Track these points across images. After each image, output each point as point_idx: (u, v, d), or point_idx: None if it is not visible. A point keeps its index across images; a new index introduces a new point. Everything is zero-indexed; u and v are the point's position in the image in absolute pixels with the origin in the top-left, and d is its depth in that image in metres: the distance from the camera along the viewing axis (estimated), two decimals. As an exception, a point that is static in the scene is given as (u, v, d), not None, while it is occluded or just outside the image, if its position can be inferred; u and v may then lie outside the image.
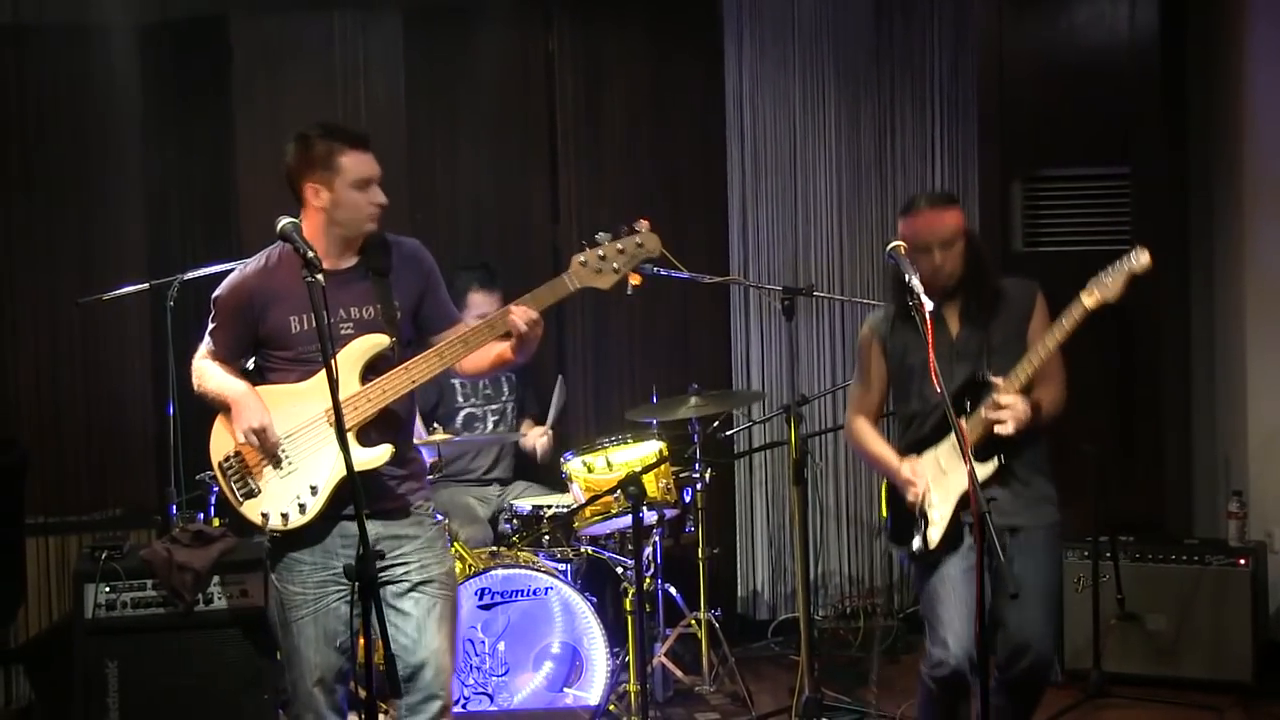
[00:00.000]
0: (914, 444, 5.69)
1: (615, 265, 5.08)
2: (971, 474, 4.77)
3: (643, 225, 5.14)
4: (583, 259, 5.08)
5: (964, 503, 5.47)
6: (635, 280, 5.18)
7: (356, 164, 5.05)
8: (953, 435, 5.32)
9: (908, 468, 5.58)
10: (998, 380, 5.44)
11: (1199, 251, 8.92)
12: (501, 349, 5.17)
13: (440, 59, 8.83)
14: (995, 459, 5.50)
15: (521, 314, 5.02)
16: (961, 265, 5.60)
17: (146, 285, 7.18)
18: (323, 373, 4.43)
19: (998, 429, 5.39)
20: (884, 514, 5.86)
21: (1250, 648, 7.56)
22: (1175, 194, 9.01)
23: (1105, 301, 5.50)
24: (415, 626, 5.11)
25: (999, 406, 5.38)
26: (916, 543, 5.57)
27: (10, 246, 8.12)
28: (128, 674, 5.90)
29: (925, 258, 5.49)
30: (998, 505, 5.21)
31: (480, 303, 7.79)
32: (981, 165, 8.97)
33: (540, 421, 8.06)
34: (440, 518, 5.81)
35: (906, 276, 5.02)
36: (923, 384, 5.51)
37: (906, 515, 5.63)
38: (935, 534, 5.52)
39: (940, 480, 5.56)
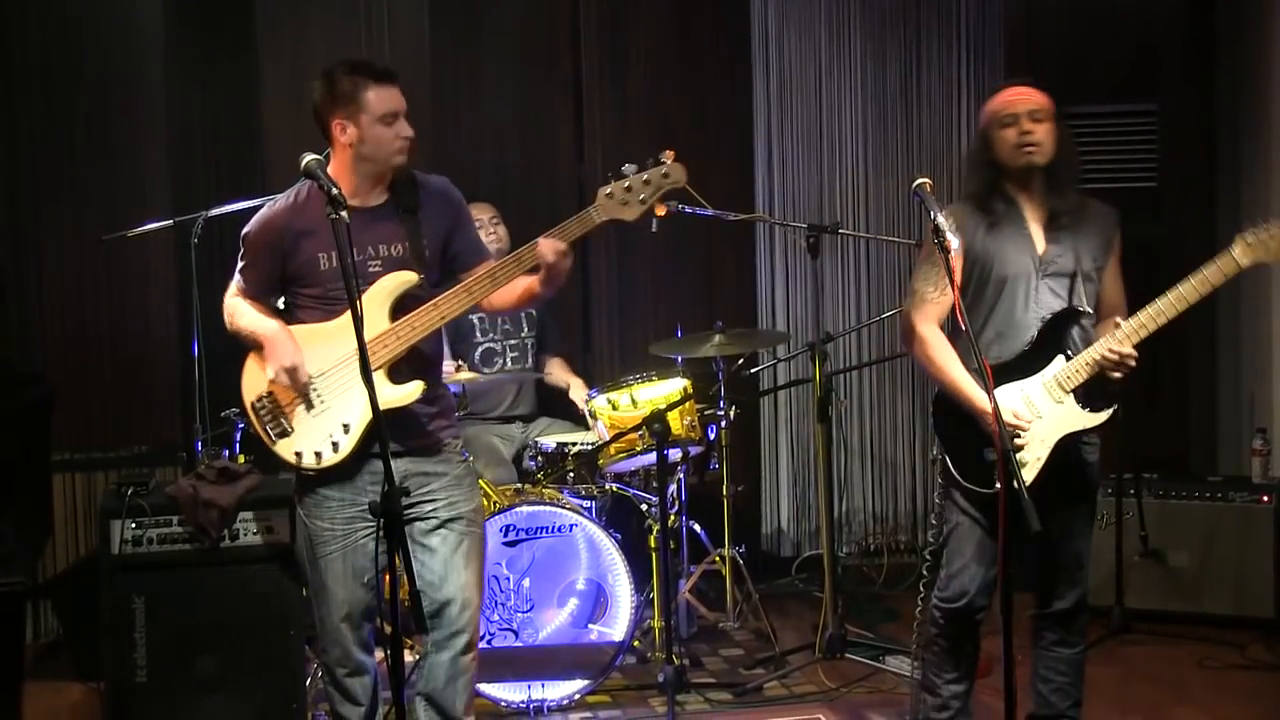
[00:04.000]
0: (993, 372, 5.11)
1: (641, 196, 5.06)
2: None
3: (668, 156, 5.12)
4: (608, 191, 5.06)
5: (1059, 445, 5.23)
6: (660, 211, 5.17)
7: (382, 99, 5.03)
8: (1044, 371, 5.22)
9: (1009, 413, 5.16)
10: (1089, 310, 5.27)
11: (1225, 187, 8.90)
12: (529, 282, 5.16)
13: (465, -3, 8.82)
14: (1111, 409, 5.25)
15: (549, 245, 5.00)
16: (1052, 146, 5.32)
17: (171, 222, 7.16)
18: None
19: (1114, 375, 5.18)
20: (938, 449, 5.50)
21: (1272, 584, 7.58)
22: (1202, 130, 8.98)
23: (1260, 262, 5.18)
24: (442, 563, 5.13)
25: (1121, 356, 5.14)
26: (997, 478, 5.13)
27: (35, 184, 8.11)
28: (154, 609, 5.91)
29: (1012, 130, 5.28)
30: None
31: (476, 213, 7.71)
32: (1008, 103, 8.92)
33: (570, 363, 8.07)
34: (468, 455, 5.82)
35: (932, 214, 4.84)
36: (1012, 305, 5.28)
37: (974, 450, 5.29)
38: (1029, 476, 5.15)
39: (1032, 416, 5.23)
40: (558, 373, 8.11)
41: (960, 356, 5.34)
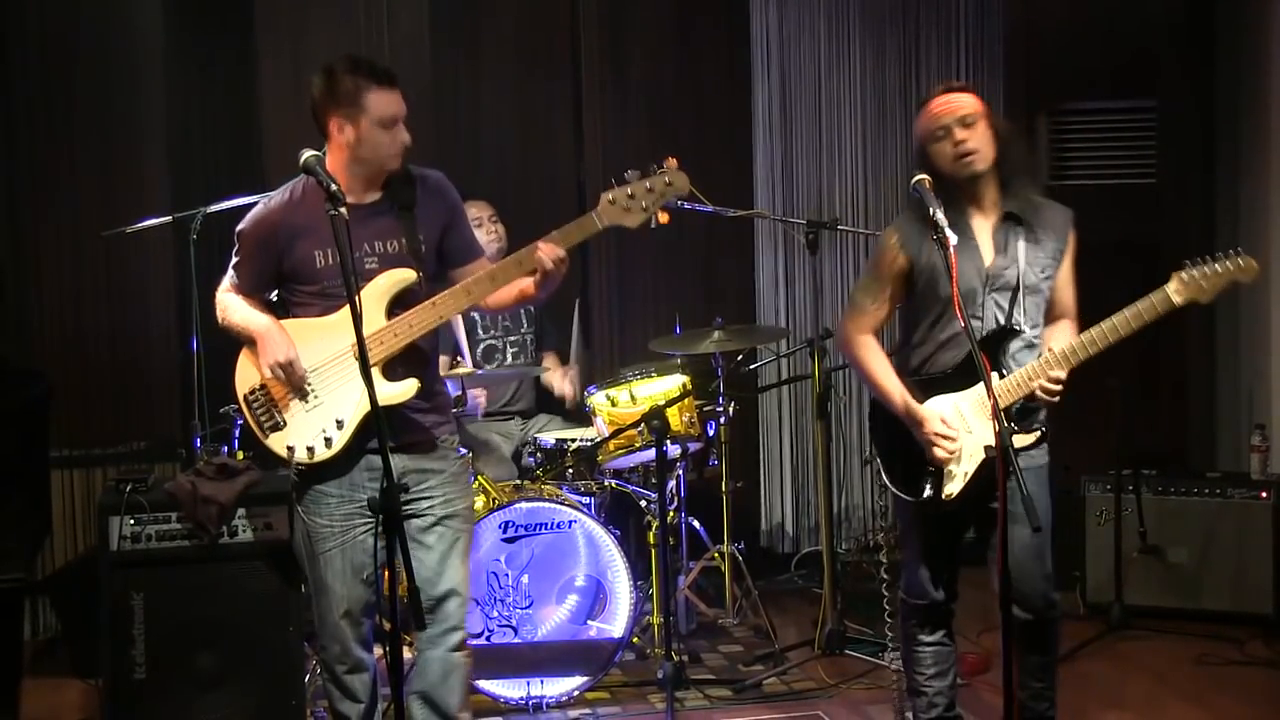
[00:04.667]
0: (928, 383, 5.28)
1: (644, 204, 5.05)
2: (1000, 436, 4.53)
3: (670, 164, 5.11)
4: (611, 197, 5.05)
5: (989, 463, 5.15)
6: (663, 219, 5.16)
7: (382, 103, 5.01)
8: (979, 387, 5.15)
9: (937, 420, 5.18)
10: (1024, 329, 5.20)
11: (1224, 184, 8.91)
12: (525, 284, 5.15)
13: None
14: (1037, 430, 5.21)
15: (549, 251, 5.00)
16: (991, 148, 5.18)
17: (170, 218, 7.16)
18: (348, 307, 4.41)
19: (1040, 399, 5.14)
20: (875, 454, 5.52)
21: (1271, 580, 7.58)
22: (1201, 126, 8.98)
23: (1194, 301, 5.15)
24: (438, 559, 5.14)
25: (1054, 381, 5.09)
26: (927, 491, 5.25)
27: (34, 180, 8.12)
28: (153, 606, 5.91)
29: (945, 143, 5.16)
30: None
31: (474, 210, 7.74)
32: (1007, 99, 8.97)
33: (564, 359, 8.06)
34: (464, 452, 5.82)
35: (931, 210, 4.82)
36: (951, 319, 5.19)
37: (904, 455, 5.32)
38: (954, 489, 5.20)
39: (962, 432, 5.21)
40: (551, 370, 8.11)
41: (921, 362, 5.36)
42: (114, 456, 7.80)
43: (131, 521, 5.91)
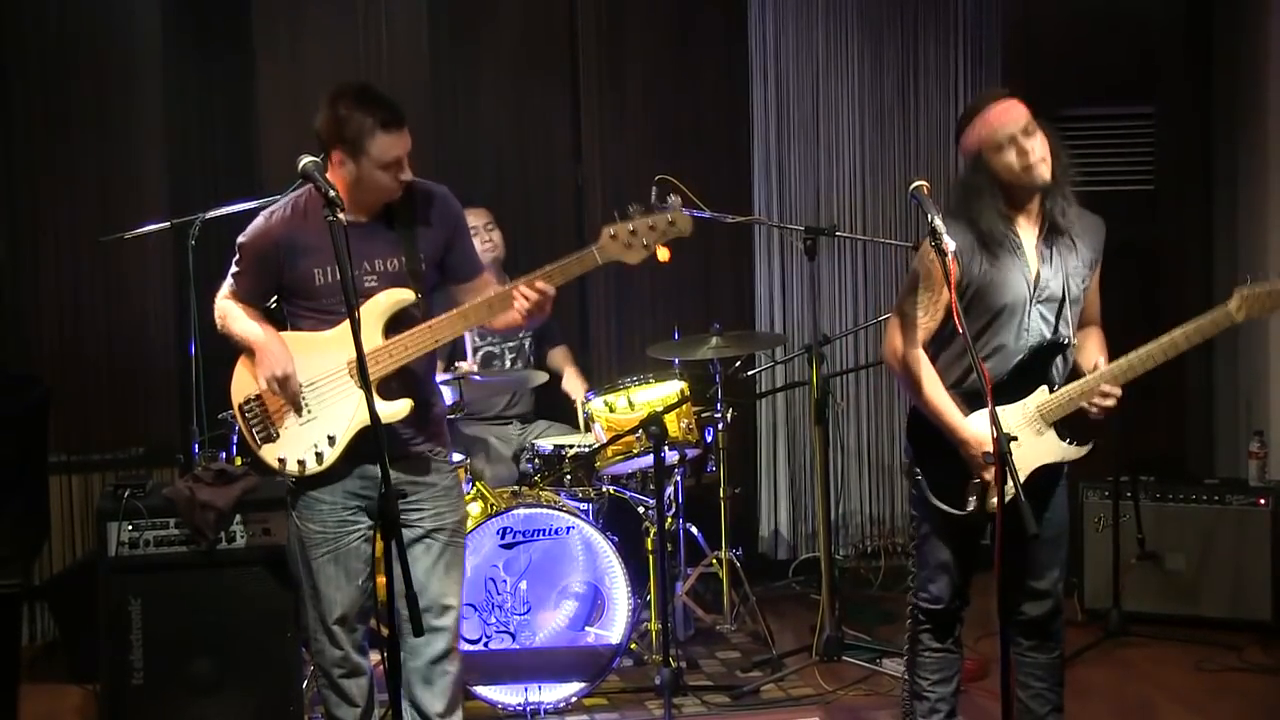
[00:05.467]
0: (970, 396, 5.17)
1: (645, 241, 4.99)
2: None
3: (675, 201, 5.07)
4: (612, 232, 4.99)
5: (1032, 477, 5.14)
6: (664, 257, 5.13)
7: (387, 146, 4.94)
8: (1030, 401, 5.13)
9: (981, 439, 5.06)
10: (1073, 341, 5.19)
11: (1222, 191, 8.91)
12: (511, 315, 5.09)
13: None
14: (1091, 443, 5.18)
15: (528, 296, 4.96)
16: (1052, 160, 5.09)
17: (168, 224, 7.16)
18: (347, 322, 4.40)
19: (1093, 415, 5.13)
20: (914, 464, 5.38)
21: (1270, 587, 7.58)
22: (1199, 133, 8.98)
23: (1253, 317, 5.12)
24: (423, 572, 5.14)
25: (1105, 394, 5.08)
26: (973, 504, 5.16)
27: (32, 185, 8.11)
28: (151, 612, 5.92)
29: (1009, 152, 5.05)
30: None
31: (471, 219, 7.75)
32: (1005, 104, 8.94)
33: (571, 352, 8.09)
34: (456, 459, 5.82)
35: (930, 216, 4.82)
36: (1005, 332, 5.15)
37: (948, 470, 5.23)
38: (997, 502, 4.99)
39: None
40: (559, 360, 8.12)
41: (942, 372, 5.27)
42: (112, 462, 7.80)
43: (129, 527, 5.92)
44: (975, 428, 5.13)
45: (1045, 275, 5.18)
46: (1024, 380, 5.16)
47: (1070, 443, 5.17)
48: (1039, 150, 5.07)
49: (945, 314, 5.22)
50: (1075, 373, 5.24)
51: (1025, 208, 5.19)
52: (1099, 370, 5.14)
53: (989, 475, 5.05)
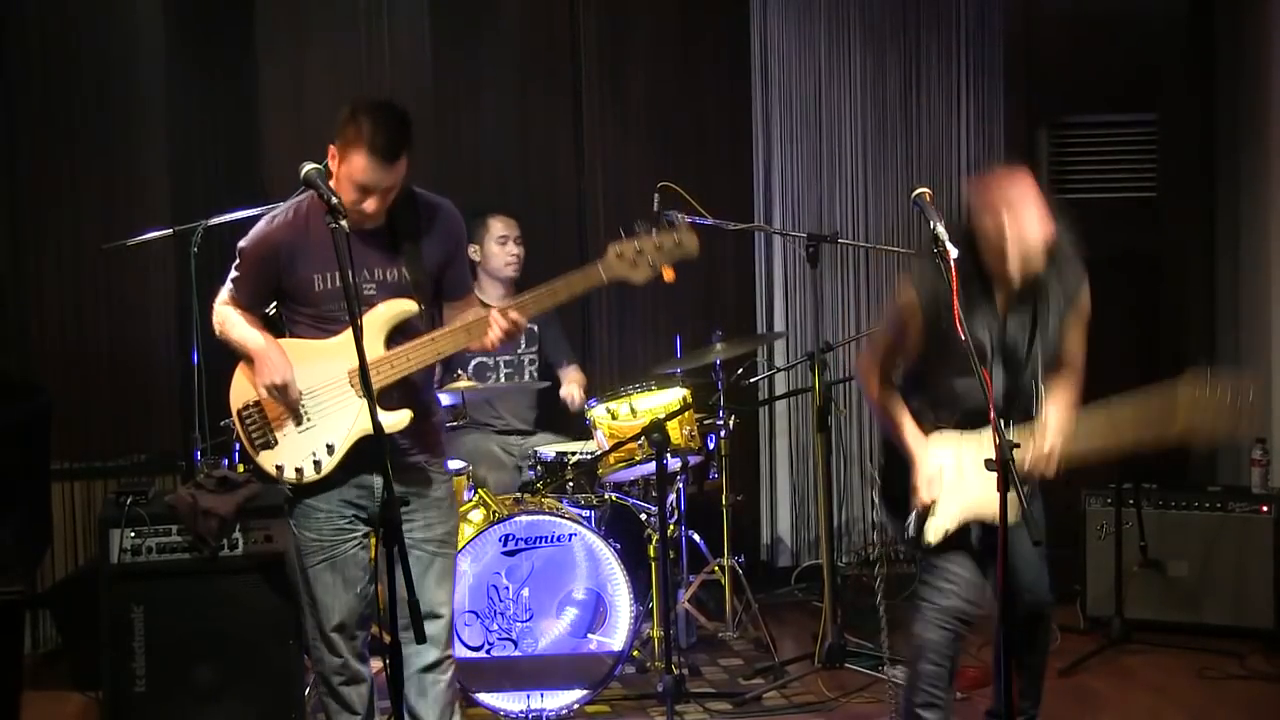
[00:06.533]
0: (970, 415, 5.28)
1: (650, 260, 5.01)
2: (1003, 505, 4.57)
3: (682, 221, 5.08)
4: (619, 250, 5.01)
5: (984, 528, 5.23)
6: (669, 277, 5.13)
7: (364, 170, 4.90)
8: (983, 438, 5.13)
9: (932, 466, 5.25)
10: (1032, 390, 5.23)
11: (1225, 198, 8.91)
12: (482, 342, 5.07)
13: (464, 5, 8.80)
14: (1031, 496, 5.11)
15: (503, 324, 4.99)
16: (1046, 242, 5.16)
17: (170, 231, 7.16)
18: (349, 331, 4.39)
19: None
20: (878, 472, 5.58)
21: (1272, 594, 7.58)
22: (1202, 141, 8.98)
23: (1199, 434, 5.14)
24: (413, 581, 5.13)
25: (1048, 459, 5.15)
26: (911, 528, 5.28)
27: (35, 192, 8.11)
28: (153, 618, 5.92)
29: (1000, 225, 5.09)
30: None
31: (499, 227, 7.78)
32: (1007, 112, 8.98)
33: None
34: (459, 466, 5.81)
35: (931, 223, 4.85)
36: (964, 378, 5.13)
37: (902, 488, 5.35)
38: (933, 534, 5.24)
39: (956, 482, 5.25)
40: (570, 377, 8.11)
41: (926, 405, 5.37)
42: (114, 469, 7.79)
43: (132, 534, 5.93)
44: (929, 451, 5.27)
45: (1013, 327, 5.25)
46: (980, 425, 5.17)
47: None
48: (1024, 239, 5.09)
49: (908, 344, 5.33)
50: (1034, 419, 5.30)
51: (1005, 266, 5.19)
52: (1038, 445, 5.17)
53: (919, 500, 5.23)
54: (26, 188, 8.12)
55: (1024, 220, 5.10)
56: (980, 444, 5.17)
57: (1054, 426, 5.18)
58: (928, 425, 5.36)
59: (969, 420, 5.26)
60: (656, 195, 7.14)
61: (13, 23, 8.07)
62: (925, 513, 5.24)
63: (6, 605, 5.71)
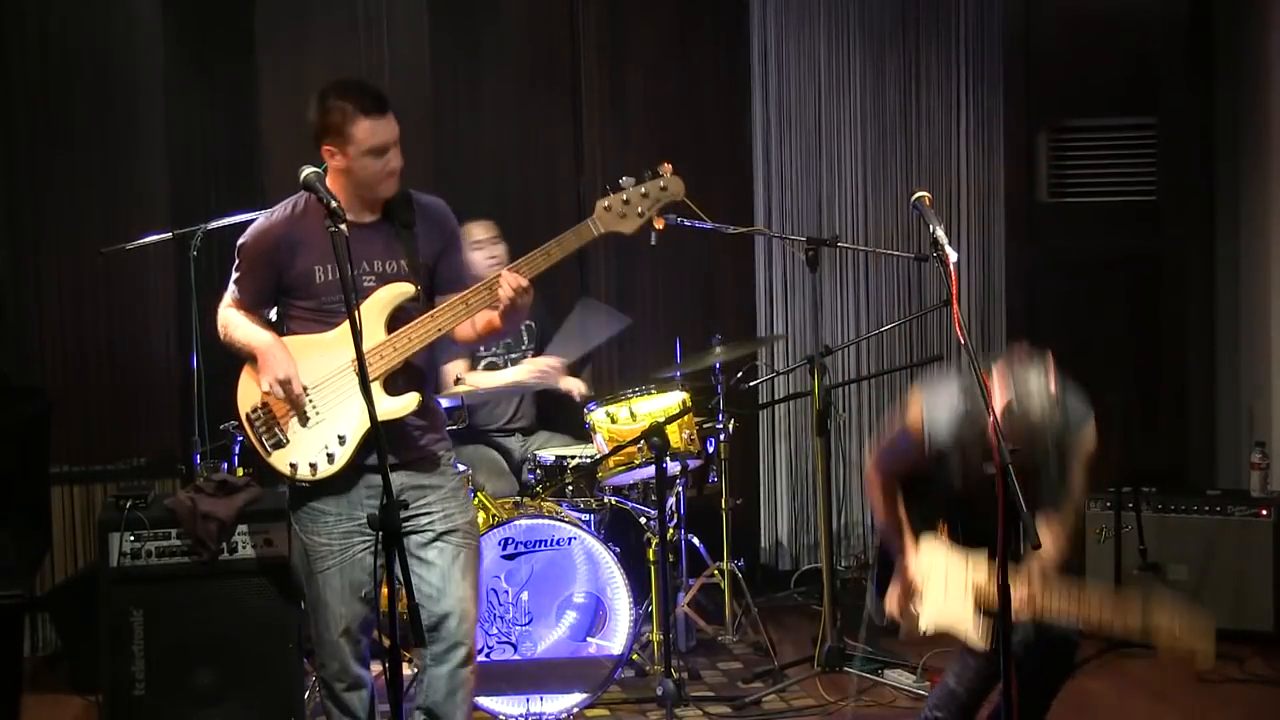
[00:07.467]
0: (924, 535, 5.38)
1: (639, 209, 5.07)
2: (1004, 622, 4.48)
3: (665, 169, 5.13)
4: (606, 203, 5.07)
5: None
6: (659, 225, 5.18)
7: (370, 132, 5.00)
8: (969, 561, 5.20)
9: (915, 575, 5.29)
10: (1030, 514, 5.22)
11: (1224, 202, 8.91)
12: (490, 317, 5.16)
13: (464, 8, 8.80)
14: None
15: (512, 281, 5.00)
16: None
17: (170, 235, 7.17)
18: (348, 323, 4.40)
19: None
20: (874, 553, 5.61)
21: (1272, 598, 7.58)
22: (1202, 143, 8.98)
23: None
24: (440, 576, 5.13)
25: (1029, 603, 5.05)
26: (875, 614, 5.43)
27: (34, 196, 8.11)
28: (153, 622, 5.92)
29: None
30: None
31: (477, 232, 7.73)
32: (1007, 116, 8.98)
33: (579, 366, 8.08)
34: (461, 468, 5.82)
35: (931, 227, 4.86)
36: (970, 495, 5.13)
37: (889, 574, 5.42)
38: (902, 635, 5.34)
39: (937, 585, 5.26)
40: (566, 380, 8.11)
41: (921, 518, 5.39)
42: (114, 473, 7.78)
43: (131, 538, 5.93)
44: (920, 558, 5.30)
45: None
46: (976, 544, 5.22)
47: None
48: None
49: (913, 457, 5.32)
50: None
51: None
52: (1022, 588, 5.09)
53: (889, 608, 5.35)
54: (26, 191, 8.13)
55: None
56: (966, 566, 5.22)
57: (1038, 572, 5.12)
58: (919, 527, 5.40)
59: (959, 538, 5.30)
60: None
61: (13, 23, 8.07)
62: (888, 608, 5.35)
63: (6, 609, 5.70)
